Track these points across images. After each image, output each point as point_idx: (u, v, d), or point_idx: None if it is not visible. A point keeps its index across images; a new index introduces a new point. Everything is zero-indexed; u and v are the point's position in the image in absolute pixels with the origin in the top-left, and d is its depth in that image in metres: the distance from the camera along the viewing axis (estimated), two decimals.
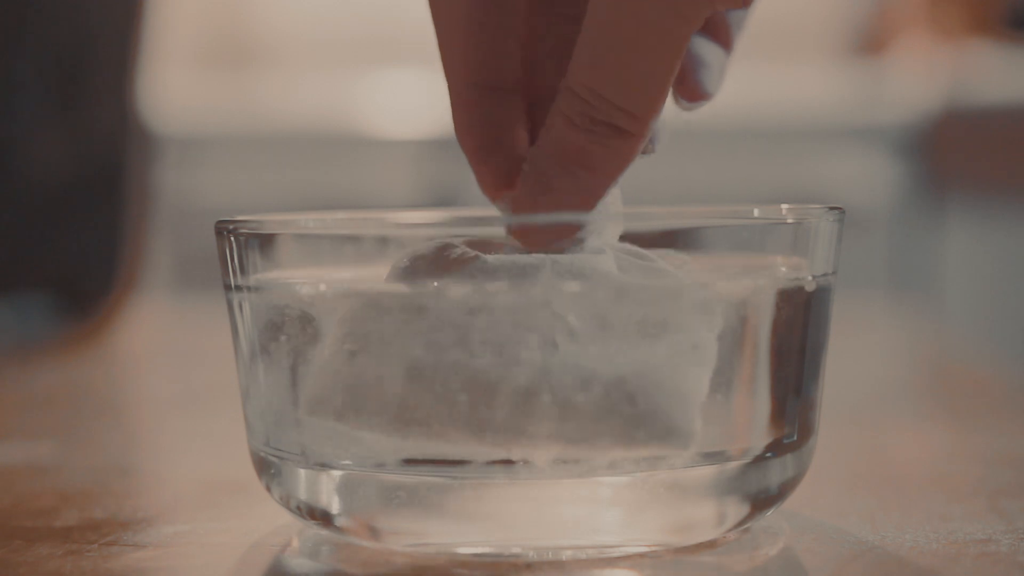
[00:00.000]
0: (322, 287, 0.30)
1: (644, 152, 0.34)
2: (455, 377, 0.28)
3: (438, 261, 0.30)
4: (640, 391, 0.28)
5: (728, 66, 0.35)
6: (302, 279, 0.31)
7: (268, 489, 0.32)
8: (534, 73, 0.34)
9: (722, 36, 0.35)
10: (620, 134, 0.30)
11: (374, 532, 0.30)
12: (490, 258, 0.30)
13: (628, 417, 0.28)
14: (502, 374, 0.28)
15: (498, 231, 0.31)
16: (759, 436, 0.31)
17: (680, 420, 0.28)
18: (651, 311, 0.29)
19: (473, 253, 0.30)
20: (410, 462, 0.29)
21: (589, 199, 0.31)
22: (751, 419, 0.30)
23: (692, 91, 0.34)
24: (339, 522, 0.30)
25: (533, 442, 0.28)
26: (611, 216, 0.31)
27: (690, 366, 0.29)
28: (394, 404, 0.28)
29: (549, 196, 0.31)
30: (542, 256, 0.29)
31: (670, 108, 0.32)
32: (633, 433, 0.28)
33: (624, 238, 0.31)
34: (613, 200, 0.32)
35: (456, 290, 0.29)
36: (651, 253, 0.31)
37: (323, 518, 0.31)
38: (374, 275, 0.31)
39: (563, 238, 0.31)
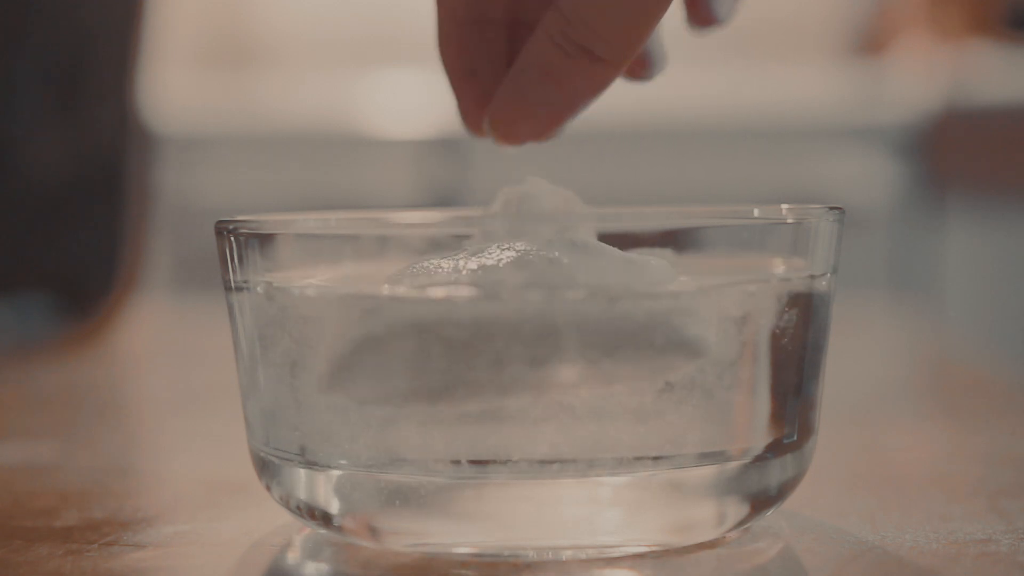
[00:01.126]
0: (322, 287, 0.30)
1: (643, 79, 0.35)
2: (464, 319, 0.28)
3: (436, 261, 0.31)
4: (655, 304, 0.29)
5: (739, 1, 0.35)
6: (302, 279, 0.31)
7: (268, 489, 0.32)
8: (519, 9, 0.35)
9: None
10: (595, 60, 0.31)
11: (374, 532, 0.30)
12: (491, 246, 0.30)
13: (642, 325, 0.28)
14: (513, 314, 0.28)
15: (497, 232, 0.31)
16: (759, 436, 0.31)
17: (694, 328, 0.29)
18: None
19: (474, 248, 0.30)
20: (409, 462, 0.29)
21: (558, 114, 0.31)
22: (751, 419, 0.30)
23: (703, 16, 0.35)
24: (339, 522, 0.30)
25: (550, 372, 0.28)
26: (584, 216, 0.31)
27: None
28: (406, 360, 0.28)
29: (521, 104, 0.31)
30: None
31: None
32: (651, 339, 0.28)
33: (626, 238, 0.31)
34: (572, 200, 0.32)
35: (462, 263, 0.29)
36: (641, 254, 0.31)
37: (323, 518, 0.31)
38: (374, 274, 0.31)
39: (539, 137, 0.31)
